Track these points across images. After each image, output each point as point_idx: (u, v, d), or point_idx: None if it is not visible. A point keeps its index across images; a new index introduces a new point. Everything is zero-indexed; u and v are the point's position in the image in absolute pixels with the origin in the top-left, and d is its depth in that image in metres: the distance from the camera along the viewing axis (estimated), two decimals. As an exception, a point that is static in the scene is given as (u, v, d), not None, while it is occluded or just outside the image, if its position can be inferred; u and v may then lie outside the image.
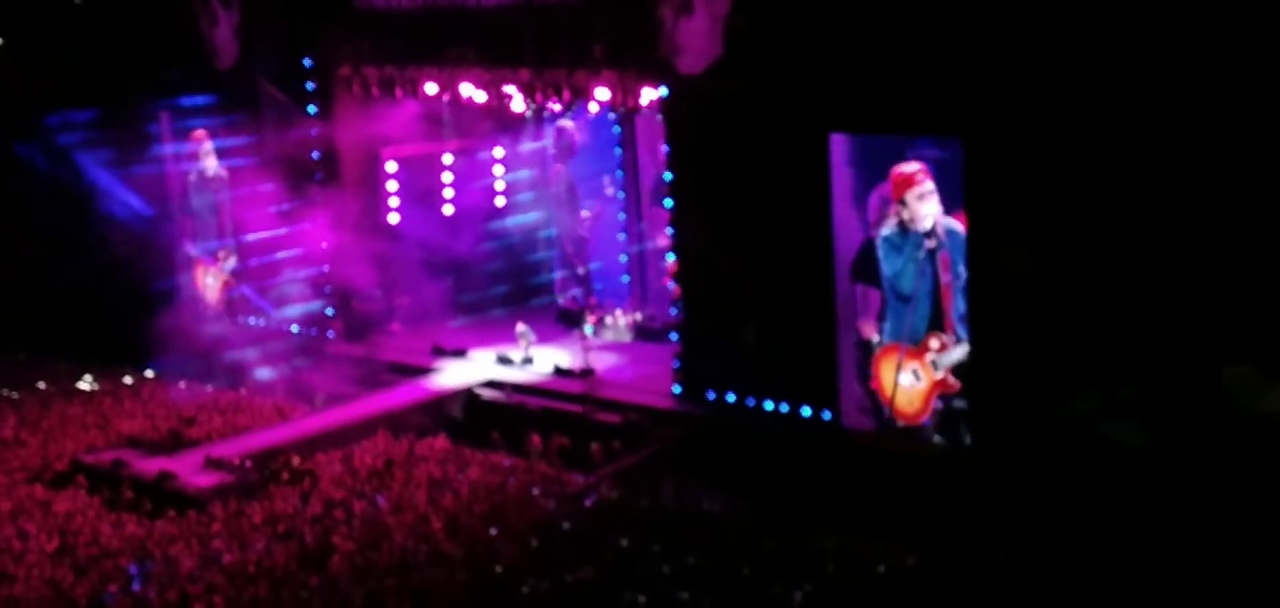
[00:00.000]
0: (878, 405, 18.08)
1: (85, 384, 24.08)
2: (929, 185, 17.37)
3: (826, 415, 18.56)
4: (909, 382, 17.73)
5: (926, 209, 17.37)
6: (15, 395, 23.58)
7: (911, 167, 17.52)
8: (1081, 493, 15.87)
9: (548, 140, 25.14)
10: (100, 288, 25.35)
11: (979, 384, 17.21)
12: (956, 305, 17.43)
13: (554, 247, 25.85)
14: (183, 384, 23.73)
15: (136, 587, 15.57)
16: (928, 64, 16.94)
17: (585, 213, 24.93)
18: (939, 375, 17.67)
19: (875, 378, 18.17)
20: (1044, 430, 16.42)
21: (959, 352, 17.45)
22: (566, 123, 24.51)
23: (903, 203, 17.54)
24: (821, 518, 16.52)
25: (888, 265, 17.91)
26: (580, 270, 25.17)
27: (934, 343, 17.66)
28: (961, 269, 17.31)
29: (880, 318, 18.11)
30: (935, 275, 17.51)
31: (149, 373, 24.30)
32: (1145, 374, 15.79)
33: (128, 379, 24.15)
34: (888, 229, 17.82)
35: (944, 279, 17.46)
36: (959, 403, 17.47)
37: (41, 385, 24.04)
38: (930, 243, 17.37)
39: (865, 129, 17.73)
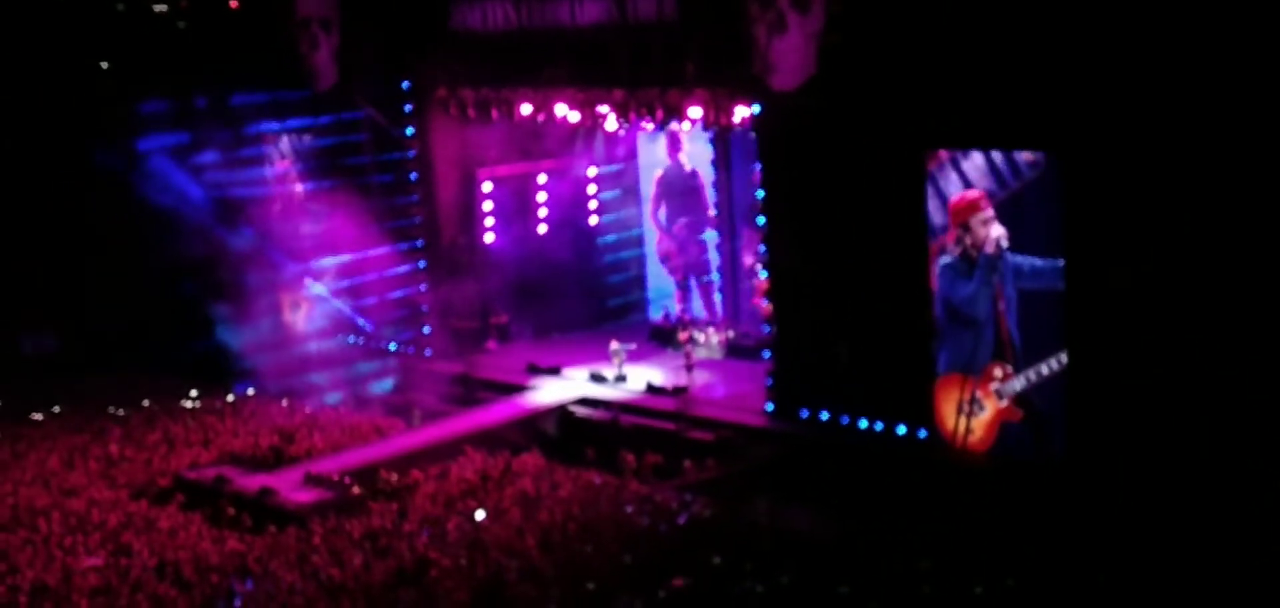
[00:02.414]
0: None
1: (188, 402, 24.53)
2: (991, 210, 17.39)
3: (922, 434, 18.41)
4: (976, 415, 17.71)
5: (994, 232, 17.34)
6: (121, 412, 24.08)
7: (973, 193, 17.50)
8: (1183, 510, 15.63)
9: (659, 144, 24.97)
10: (202, 308, 25.80)
11: (1076, 400, 17.00)
12: (1012, 330, 17.39)
13: (657, 260, 25.73)
14: (283, 402, 24.09)
15: (238, 603, 15.81)
16: (1022, 80, 16.78)
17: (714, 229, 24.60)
18: (1003, 404, 17.54)
19: (936, 411, 18.09)
20: (1145, 446, 16.20)
21: (1021, 380, 17.35)
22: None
23: (966, 228, 17.54)
24: (917, 538, 16.38)
25: (951, 293, 17.85)
26: (678, 277, 25.05)
27: (998, 372, 17.54)
28: (1011, 292, 17.27)
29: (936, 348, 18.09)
30: (993, 301, 17.47)
31: (250, 391, 24.70)
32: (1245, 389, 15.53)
33: (229, 397, 24.57)
34: (948, 257, 17.79)
35: (1000, 305, 17.38)
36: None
37: (146, 403, 24.53)
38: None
39: (960, 144, 17.59)
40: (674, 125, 21.97)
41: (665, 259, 25.24)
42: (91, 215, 27.99)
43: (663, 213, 25.09)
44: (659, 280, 25.77)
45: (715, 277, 24.83)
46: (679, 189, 24.89)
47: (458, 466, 19.78)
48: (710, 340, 23.60)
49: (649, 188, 25.47)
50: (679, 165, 24.80)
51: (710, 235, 24.67)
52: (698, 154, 24.50)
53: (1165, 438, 16.13)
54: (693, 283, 24.94)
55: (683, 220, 24.87)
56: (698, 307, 24.92)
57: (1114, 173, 16.32)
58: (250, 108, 26.50)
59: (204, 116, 27.04)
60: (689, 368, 21.96)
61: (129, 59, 28.49)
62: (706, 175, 24.46)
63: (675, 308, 24.82)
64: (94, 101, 28.35)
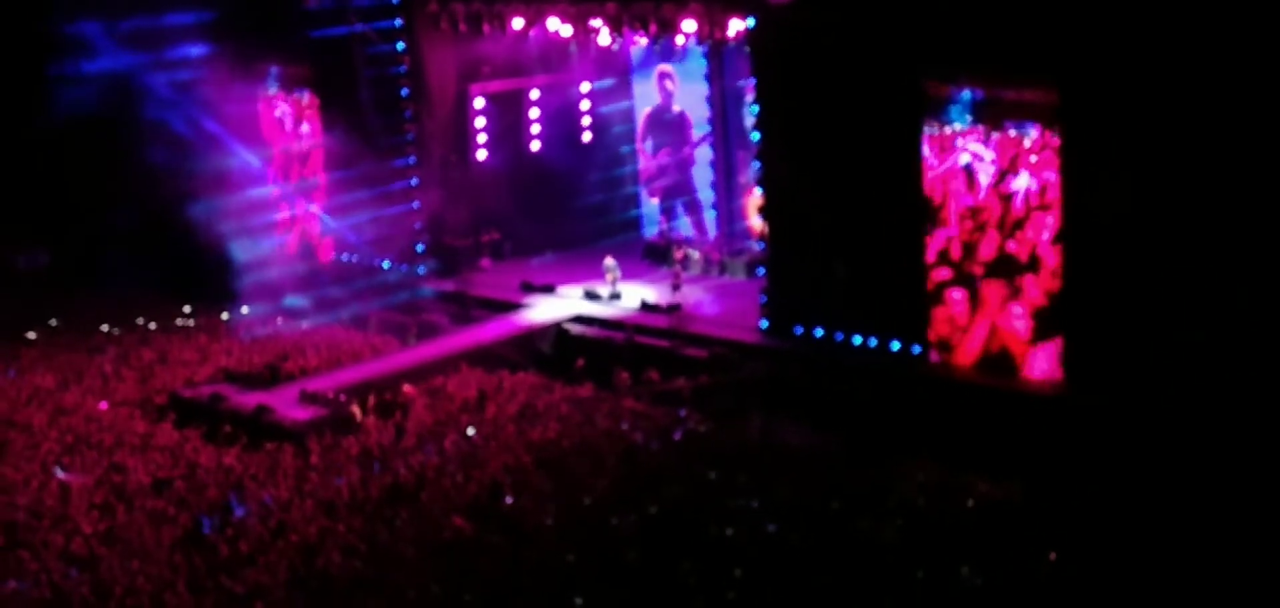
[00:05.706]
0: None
1: (183, 321, 24.49)
2: None
3: (916, 349, 18.45)
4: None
5: None
6: (116, 331, 24.04)
7: None
8: (1176, 427, 15.70)
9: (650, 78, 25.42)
10: (198, 226, 25.70)
11: (1073, 320, 17.02)
12: None
13: (644, 180, 26.06)
14: (278, 320, 24.06)
15: (238, 515, 15.85)
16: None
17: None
18: None
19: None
20: (1139, 364, 16.25)
21: None
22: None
23: None
24: (910, 452, 16.45)
25: None
26: (660, 200, 25.52)
27: None
28: None
29: None
30: None
31: (245, 309, 24.67)
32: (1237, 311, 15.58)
33: (225, 316, 24.53)
34: None
35: None
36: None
37: (141, 321, 24.48)
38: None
39: (958, 58, 17.42)
40: (666, 64, 21.94)
41: (648, 182, 25.80)
42: (83, 135, 27.78)
43: (649, 144, 25.65)
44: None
45: (708, 195, 24.90)
46: (665, 124, 25.36)
47: (452, 383, 19.80)
48: (703, 258, 23.68)
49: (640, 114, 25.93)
50: (667, 104, 25.16)
51: (704, 151, 24.87)
52: (690, 95, 24.97)
53: (1158, 359, 16.17)
54: (679, 206, 25.38)
55: (666, 151, 25.37)
56: (686, 226, 25.30)
57: (1114, 102, 16.26)
58: (244, 25, 26.22)
59: (194, 34, 26.77)
60: (675, 286, 22.05)
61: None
62: (694, 117, 24.96)
63: (657, 228, 25.34)
64: (78, 18, 28.05)
